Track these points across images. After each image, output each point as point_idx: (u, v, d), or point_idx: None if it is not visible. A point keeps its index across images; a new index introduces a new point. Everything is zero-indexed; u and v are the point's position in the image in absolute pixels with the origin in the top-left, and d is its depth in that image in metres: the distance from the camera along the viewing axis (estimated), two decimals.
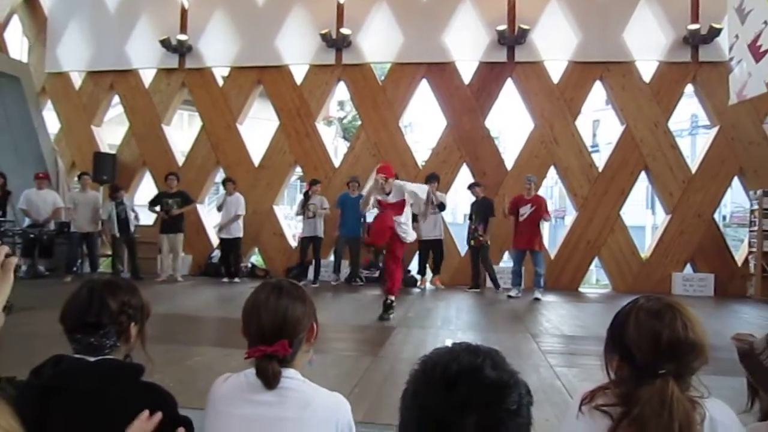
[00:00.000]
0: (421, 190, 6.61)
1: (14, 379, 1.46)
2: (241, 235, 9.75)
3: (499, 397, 0.83)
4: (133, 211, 9.88)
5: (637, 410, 1.16)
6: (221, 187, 10.68)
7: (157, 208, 9.68)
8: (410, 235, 6.62)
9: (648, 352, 1.21)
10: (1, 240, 9.67)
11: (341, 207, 9.52)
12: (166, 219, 9.58)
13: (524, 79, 10.27)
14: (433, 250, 9.42)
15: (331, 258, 10.10)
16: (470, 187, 9.42)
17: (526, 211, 8.32)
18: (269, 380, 1.44)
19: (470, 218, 9.34)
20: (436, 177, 9.24)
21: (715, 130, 9.87)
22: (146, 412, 1.26)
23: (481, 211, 9.10)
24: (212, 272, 10.31)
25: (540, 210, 8.31)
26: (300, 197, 9.93)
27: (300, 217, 9.70)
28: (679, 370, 1.20)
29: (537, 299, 8.11)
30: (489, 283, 9.40)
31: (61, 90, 11.82)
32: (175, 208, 9.50)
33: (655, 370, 1.19)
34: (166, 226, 9.60)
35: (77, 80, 11.88)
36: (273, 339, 1.45)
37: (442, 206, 9.15)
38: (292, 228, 10.39)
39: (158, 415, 1.26)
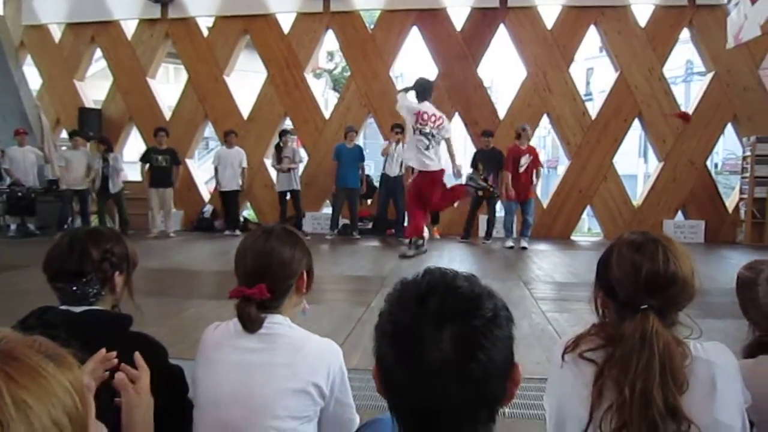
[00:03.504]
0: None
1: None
2: (239, 188, 9.69)
3: (473, 306, 0.79)
4: (120, 170, 9.74)
5: (620, 349, 1.14)
6: (210, 142, 10.55)
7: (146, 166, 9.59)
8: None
9: (628, 287, 1.19)
10: None
11: (337, 158, 9.37)
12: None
13: (517, 26, 10.04)
14: None
15: (325, 210, 10.06)
16: (482, 135, 9.06)
17: (525, 161, 8.21)
18: (246, 323, 1.43)
19: (474, 167, 8.87)
20: None
21: (709, 76, 9.75)
22: (102, 351, 1.22)
23: (492, 162, 8.73)
24: (205, 227, 10.29)
25: (535, 161, 8.25)
26: (273, 150, 9.80)
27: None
28: (662, 305, 1.17)
29: (524, 248, 8.14)
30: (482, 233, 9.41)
31: (40, 43, 11.44)
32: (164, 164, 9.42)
33: (637, 305, 1.17)
34: (156, 180, 9.50)
35: (57, 33, 11.49)
36: (255, 282, 1.44)
37: None
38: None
39: (113, 354, 1.23)
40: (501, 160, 8.71)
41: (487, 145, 8.98)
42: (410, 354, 0.77)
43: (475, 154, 9.10)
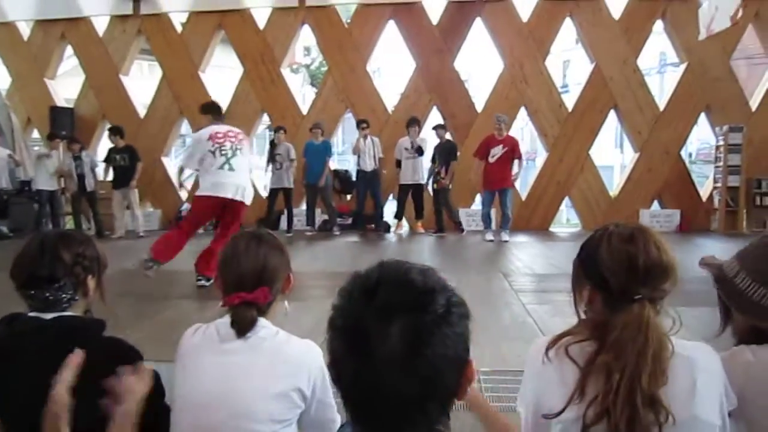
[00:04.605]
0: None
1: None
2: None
3: (423, 301, 0.77)
4: (94, 167, 9.59)
5: (614, 335, 1.15)
6: (187, 139, 10.41)
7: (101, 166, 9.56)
8: None
9: (623, 277, 1.19)
10: None
11: (305, 155, 9.34)
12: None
13: (493, 19, 10.07)
14: (413, 195, 9.35)
15: (304, 207, 10.02)
16: (435, 128, 9.31)
17: (497, 152, 8.20)
18: (244, 328, 1.43)
19: (432, 161, 9.24)
20: (417, 121, 9.16)
21: (683, 67, 9.89)
22: (77, 357, 1.20)
23: (444, 154, 9.02)
24: None
25: (512, 151, 8.22)
26: (268, 147, 9.73)
27: (270, 167, 9.51)
28: (653, 294, 1.19)
29: (505, 241, 8.17)
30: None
31: (8, 41, 11.15)
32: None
33: (631, 295, 1.18)
34: (116, 181, 9.37)
35: (26, 30, 11.22)
36: (252, 286, 1.45)
37: (420, 150, 9.05)
38: (262, 179, 10.20)
39: (78, 355, 1.20)
40: (453, 151, 9.03)
41: (442, 137, 9.14)
42: (358, 347, 0.76)
43: (434, 148, 9.24)
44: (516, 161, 8.32)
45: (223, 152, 5.09)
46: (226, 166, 5.05)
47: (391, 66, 20.56)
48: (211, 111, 5.55)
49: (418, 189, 9.32)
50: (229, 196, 5.01)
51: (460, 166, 9.12)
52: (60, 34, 11.00)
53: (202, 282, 5.17)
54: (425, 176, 9.32)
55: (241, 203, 5.15)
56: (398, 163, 9.28)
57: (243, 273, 1.47)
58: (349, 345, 0.78)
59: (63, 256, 1.42)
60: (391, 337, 0.74)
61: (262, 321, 1.46)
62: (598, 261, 1.24)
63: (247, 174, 5.35)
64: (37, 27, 11.11)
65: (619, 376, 1.11)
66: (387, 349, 0.74)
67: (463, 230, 9.26)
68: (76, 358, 1.18)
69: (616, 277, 1.20)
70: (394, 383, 0.75)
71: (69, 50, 11.42)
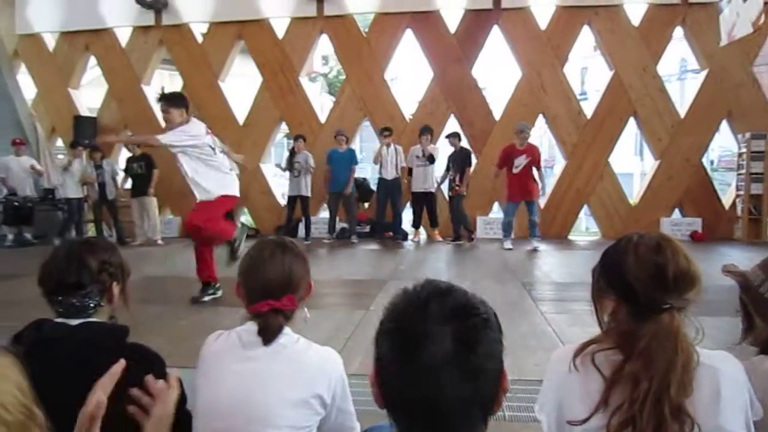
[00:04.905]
0: None
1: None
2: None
3: (469, 310, 0.86)
4: (115, 175, 9.75)
5: (642, 344, 1.15)
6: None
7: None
8: None
9: (652, 287, 1.19)
10: None
11: (329, 163, 9.39)
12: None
13: (511, 27, 10.06)
14: (426, 203, 9.35)
15: (323, 215, 10.05)
16: (448, 137, 9.30)
17: (521, 162, 8.09)
18: (272, 335, 1.44)
19: (447, 169, 9.24)
20: (429, 129, 9.16)
21: (704, 73, 9.78)
22: (119, 365, 1.22)
23: (458, 162, 9.00)
24: None
25: (534, 161, 8.13)
26: (287, 154, 9.80)
27: (288, 174, 9.58)
28: (681, 303, 1.19)
29: (535, 249, 8.07)
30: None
31: (34, 52, 11.42)
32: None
33: (659, 305, 1.18)
34: (134, 189, 9.55)
35: (51, 42, 11.48)
36: (280, 294, 1.46)
37: (431, 159, 9.07)
38: (281, 186, 10.28)
39: (121, 364, 1.22)
40: (467, 159, 9.05)
41: (456, 145, 9.12)
42: (413, 350, 0.82)
43: (449, 156, 9.24)
44: (535, 170, 8.24)
45: (220, 150, 5.05)
46: (232, 166, 5.16)
47: (408, 74, 20.63)
48: (187, 105, 4.98)
49: (429, 197, 9.32)
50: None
51: (478, 173, 9.09)
52: (84, 46, 11.24)
53: (213, 293, 5.03)
54: (436, 184, 9.33)
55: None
56: (410, 171, 9.30)
57: (269, 280, 1.48)
58: (403, 348, 0.84)
59: (89, 263, 1.45)
60: (446, 337, 0.81)
61: (285, 328, 1.48)
62: (624, 271, 1.23)
63: None
64: (62, 39, 11.36)
65: (647, 385, 1.11)
66: (442, 349, 0.81)
67: (472, 239, 9.16)
68: (118, 367, 1.20)
69: (645, 287, 1.19)
70: (446, 383, 0.81)
71: (92, 61, 11.65)
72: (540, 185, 8.35)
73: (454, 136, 9.22)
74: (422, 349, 0.81)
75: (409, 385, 0.82)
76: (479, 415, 0.85)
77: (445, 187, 9.60)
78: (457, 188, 8.95)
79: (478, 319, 0.85)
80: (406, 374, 0.82)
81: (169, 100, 4.87)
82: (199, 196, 4.99)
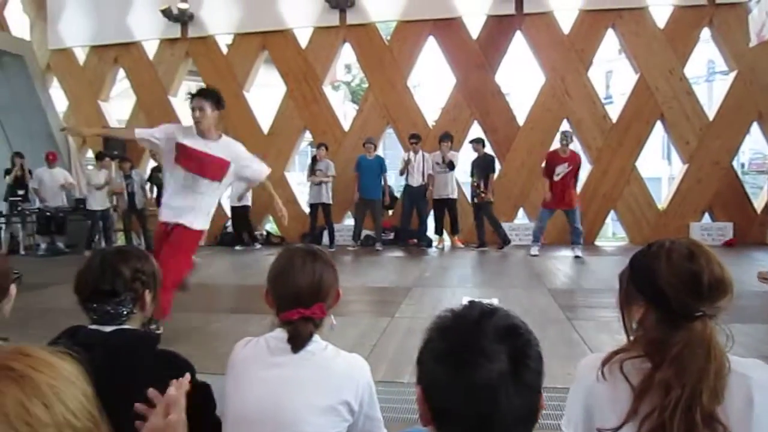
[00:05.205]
0: None
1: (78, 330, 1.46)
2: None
3: (517, 329, 0.91)
4: (144, 185, 9.95)
5: (674, 352, 1.14)
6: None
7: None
8: None
9: (685, 294, 1.18)
10: (21, 219, 9.84)
11: (358, 170, 9.42)
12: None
13: (533, 31, 10.01)
14: (448, 210, 9.35)
15: (346, 222, 10.08)
16: (472, 142, 9.27)
17: (562, 170, 7.93)
18: (302, 343, 1.46)
19: (471, 175, 9.17)
20: (449, 136, 9.16)
21: (732, 74, 9.59)
22: (179, 381, 1.23)
23: (482, 168, 8.96)
24: (228, 242, 10.39)
25: (576, 169, 7.96)
26: (309, 162, 9.89)
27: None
28: (713, 311, 1.18)
29: (578, 257, 7.87)
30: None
31: (65, 66, 11.76)
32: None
33: (692, 312, 1.17)
34: (158, 199, 9.69)
35: (81, 56, 11.80)
36: (310, 302, 1.48)
37: (451, 165, 9.07)
38: (305, 194, 10.37)
39: (187, 378, 1.24)
40: (491, 164, 9.00)
41: (479, 151, 9.08)
42: (469, 368, 0.86)
43: (472, 162, 9.18)
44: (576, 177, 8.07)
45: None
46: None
47: (431, 81, 20.63)
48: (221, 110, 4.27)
49: (450, 203, 9.31)
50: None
51: (502, 179, 9.03)
52: (113, 59, 11.51)
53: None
54: (455, 189, 9.30)
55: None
56: (430, 178, 9.30)
57: (300, 288, 1.49)
58: (458, 367, 0.87)
59: (123, 271, 1.49)
60: (501, 354, 0.86)
61: (313, 336, 1.49)
62: (656, 277, 1.22)
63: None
64: (92, 52, 11.66)
65: (679, 392, 1.10)
66: (498, 367, 0.85)
67: (502, 246, 8.97)
68: (185, 382, 1.22)
69: (678, 294, 1.18)
70: (502, 399, 0.85)
71: (121, 73, 11.93)
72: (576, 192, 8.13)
73: (477, 142, 9.20)
74: (478, 367, 0.85)
75: (465, 403, 0.86)
76: (525, 431, 0.90)
77: (467, 192, 9.57)
78: (483, 195, 8.90)
79: (527, 337, 0.91)
80: (462, 393, 0.86)
81: (206, 95, 4.05)
82: (182, 220, 3.96)
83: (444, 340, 0.91)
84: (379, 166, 9.44)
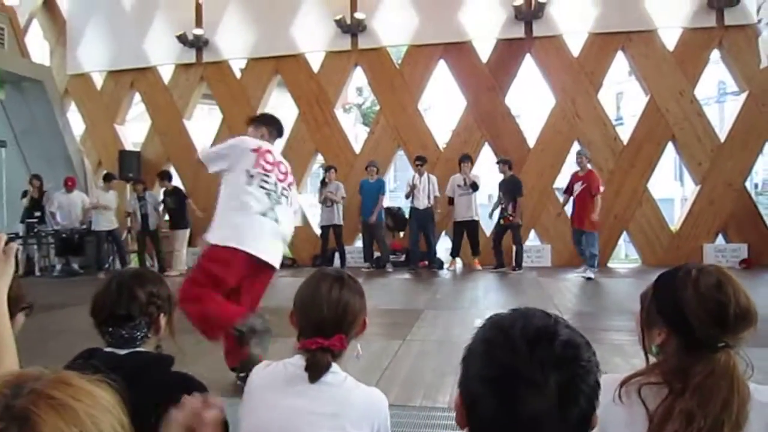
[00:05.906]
0: None
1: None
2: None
3: (574, 354, 0.81)
4: (157, 207, 10.05)
5: (697, 380, 1.13)
6: None
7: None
8: None
9: (711, 325, 1.17)
10: (37, 240, 9.98)
11: (360, 193, 9.48)
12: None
13: (543, 55, 10.09)
14: (468, 232, 9.26)
15: (358, 243, 10.10)
16: (498, 162, 9.20)
17: (577, 189, 7.97)
18: (318, 373, 1.42)
19: (499, 197, 9.07)
20: (469, 157, 9.18)
21: (743, 96, 9.58)
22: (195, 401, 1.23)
23: (510, 190, 8.86)
24: None
25: (590, 187, 7.85)
26: (319, 185, 9.97)
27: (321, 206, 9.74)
28: (736, 342, 1.17)
29: (589, 278, 7.80)
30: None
31: (83, 91, 12.01)
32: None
33: (716, 343, 1.16)
34: (171, 223, 9.86)
35: (98, 80, 12.06)
36: (331, 332, 1.45)
37: (474, 186, 8.99)
38: (317, 216, 10.43)
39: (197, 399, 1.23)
40: (517, 187, 8.84)
41: (505, 173, 9.02)
42: (514, 400, 0.78)
43: (499, 184, 9.13)
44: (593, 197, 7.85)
45: (267, 189, 3.50)
46: (271, 214, 3.46)
47: (442, 104, 20.76)
48: (268, 124, 3.98)
49: (472, 225, 9.24)
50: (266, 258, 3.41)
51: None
52: (129, 83, 11.75)
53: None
54: (477, 211, 9.26)
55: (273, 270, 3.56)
56: (450, 201, 9.27)
57: (323, 317, 1.46)
58: (504, 397, 0.79)
59: (138, 296, 1.52)
60: (550, 388, 0.77)
61: (333, 366, 1.46)
62: (682, 305, 1.21)
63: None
64: (108, 77, 11.92)
65: (702, 422, 1.09)
66: (546, 400, 0.77)
67: (515, 269, 8.93)
68: (196, 401, 1.20)
69: (703, 324, 1.17)
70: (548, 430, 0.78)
71: (137, 97, 12.17)
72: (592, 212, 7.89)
73: (504, 163, 9.08)
74: (524, 399, 0.77)
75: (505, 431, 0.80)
76: None
77: (483, 212, 9.51)
78: (510, 218, 8.80)
79: (582, 367, 0.81)
80: (506, 424, 0.79)
81: (252, 121, 3.93)
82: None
83: (492, 364, 0.82)
84: (378, 188, 9.47)
